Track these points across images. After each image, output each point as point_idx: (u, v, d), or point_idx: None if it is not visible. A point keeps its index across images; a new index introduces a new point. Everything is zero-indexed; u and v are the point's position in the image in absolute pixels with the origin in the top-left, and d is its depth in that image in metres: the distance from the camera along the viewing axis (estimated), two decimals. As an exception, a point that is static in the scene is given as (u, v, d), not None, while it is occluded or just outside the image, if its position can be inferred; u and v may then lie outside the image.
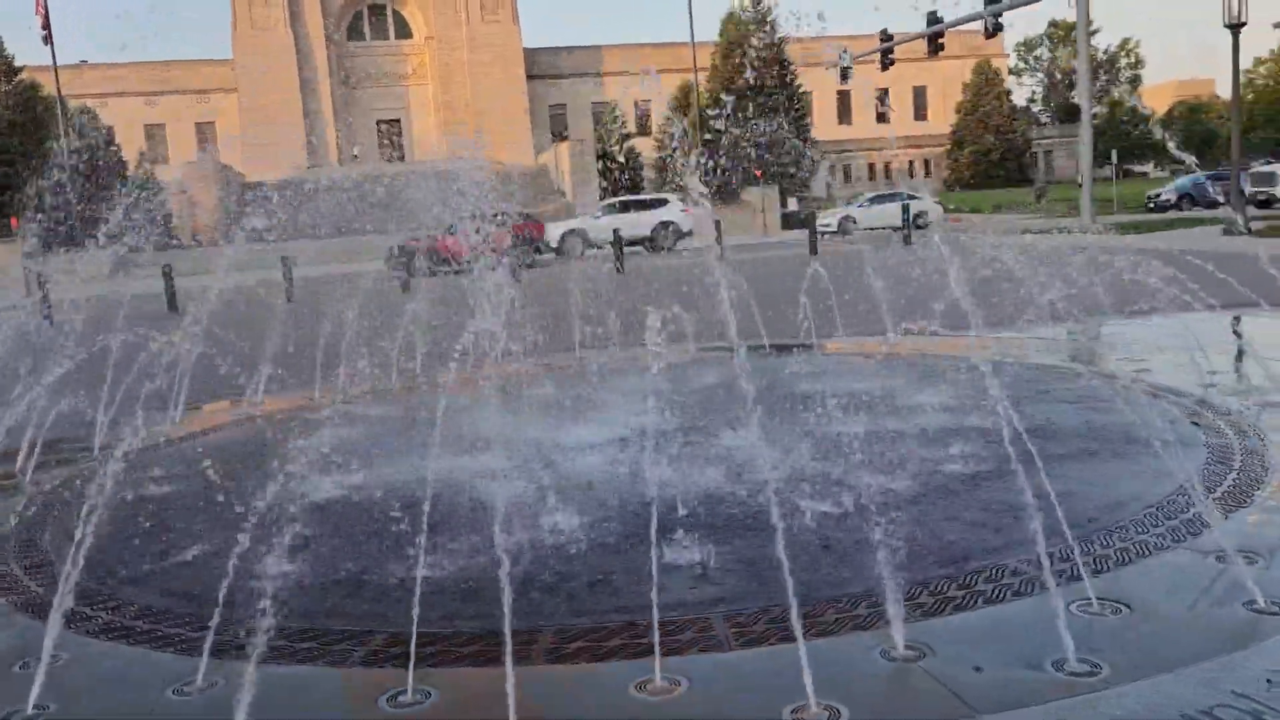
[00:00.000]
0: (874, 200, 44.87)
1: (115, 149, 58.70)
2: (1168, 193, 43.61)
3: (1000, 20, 29.71)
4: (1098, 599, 4.04)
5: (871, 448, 6.39)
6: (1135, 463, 6.02)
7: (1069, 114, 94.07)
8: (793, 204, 53.74)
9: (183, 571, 5.27)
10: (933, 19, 34.10)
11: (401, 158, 76.67)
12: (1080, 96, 28.45)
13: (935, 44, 33.99)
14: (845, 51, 37.28)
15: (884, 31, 37.09)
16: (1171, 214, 37.48)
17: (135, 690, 3.89)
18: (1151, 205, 42.76)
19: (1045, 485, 5.62)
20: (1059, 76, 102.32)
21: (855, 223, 42.46)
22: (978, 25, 32.87)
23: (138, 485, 6.77)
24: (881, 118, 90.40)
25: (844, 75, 37.68)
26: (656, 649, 3.65)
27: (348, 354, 10.26)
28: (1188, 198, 42.54)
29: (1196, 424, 6.79)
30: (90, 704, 3.80)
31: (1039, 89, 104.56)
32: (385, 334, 10.78)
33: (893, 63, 35.60)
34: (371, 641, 4.17)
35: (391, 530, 5.39)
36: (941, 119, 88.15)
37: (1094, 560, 4.49)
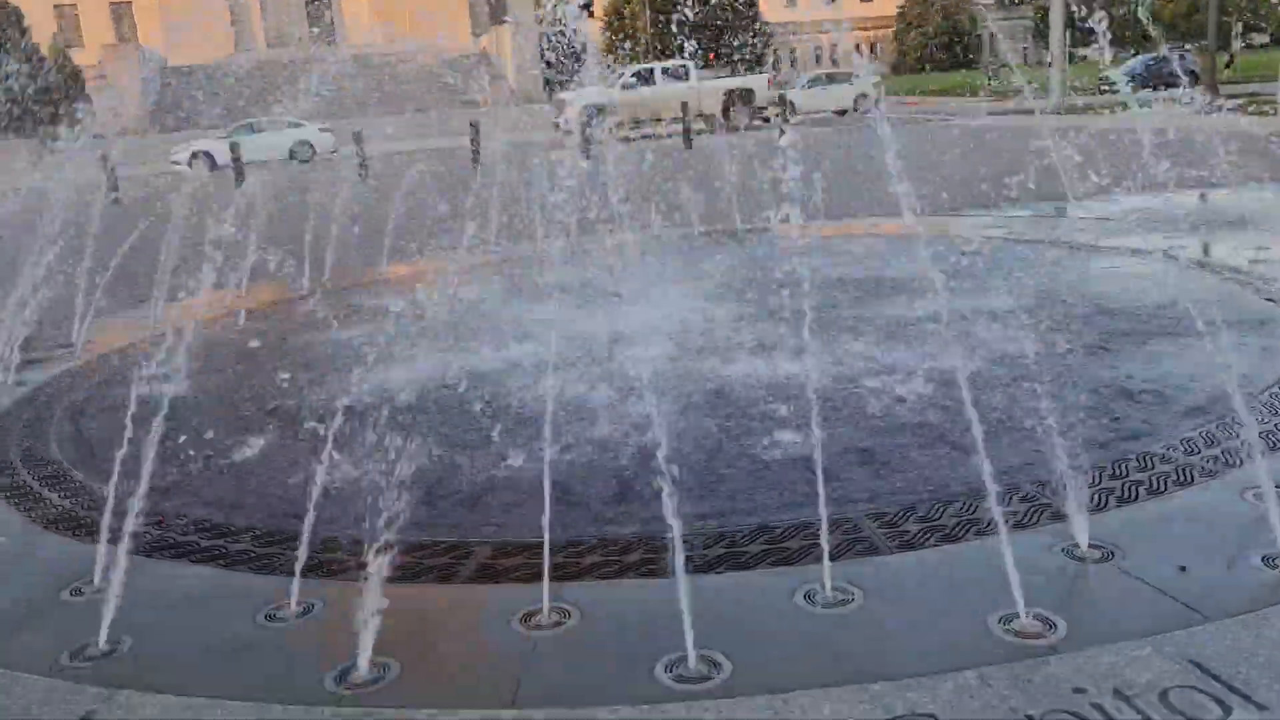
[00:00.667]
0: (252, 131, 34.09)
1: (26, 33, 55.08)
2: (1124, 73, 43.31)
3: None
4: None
5: (949, 332, 6.00)
6: (1231, 342, 5.71)
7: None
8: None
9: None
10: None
11: (332, 40, 73.15)
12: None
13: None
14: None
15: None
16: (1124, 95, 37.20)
17: (217, 618, 3.39)
18: (1105, 88, 42.44)
19: (1143, 369, 5.32)
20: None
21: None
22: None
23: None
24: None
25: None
26: (825, 554, 3.23)
27: None
28: (1139, 78, 42.37)
29: (1272, 300, 6.51)
30: (171, 636, 3.30)
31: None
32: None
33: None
34: (479, 553, 3.71)
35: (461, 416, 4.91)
36: (889, 1, 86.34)
37: (1243, 446, 4.16)
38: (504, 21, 64.15)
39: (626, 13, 61.71)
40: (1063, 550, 3.37)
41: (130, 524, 3.36)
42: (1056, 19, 26.97)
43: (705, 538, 3.67)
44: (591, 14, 71.97)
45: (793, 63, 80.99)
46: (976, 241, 9.32)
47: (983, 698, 2.56)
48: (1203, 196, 10.31)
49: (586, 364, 5.93)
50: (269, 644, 3.20)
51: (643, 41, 56.65)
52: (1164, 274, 7.52)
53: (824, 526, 3.23)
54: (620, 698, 2.71)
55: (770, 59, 64.06)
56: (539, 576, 3.27)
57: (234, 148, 26.16)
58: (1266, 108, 22.08)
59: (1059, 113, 26.12)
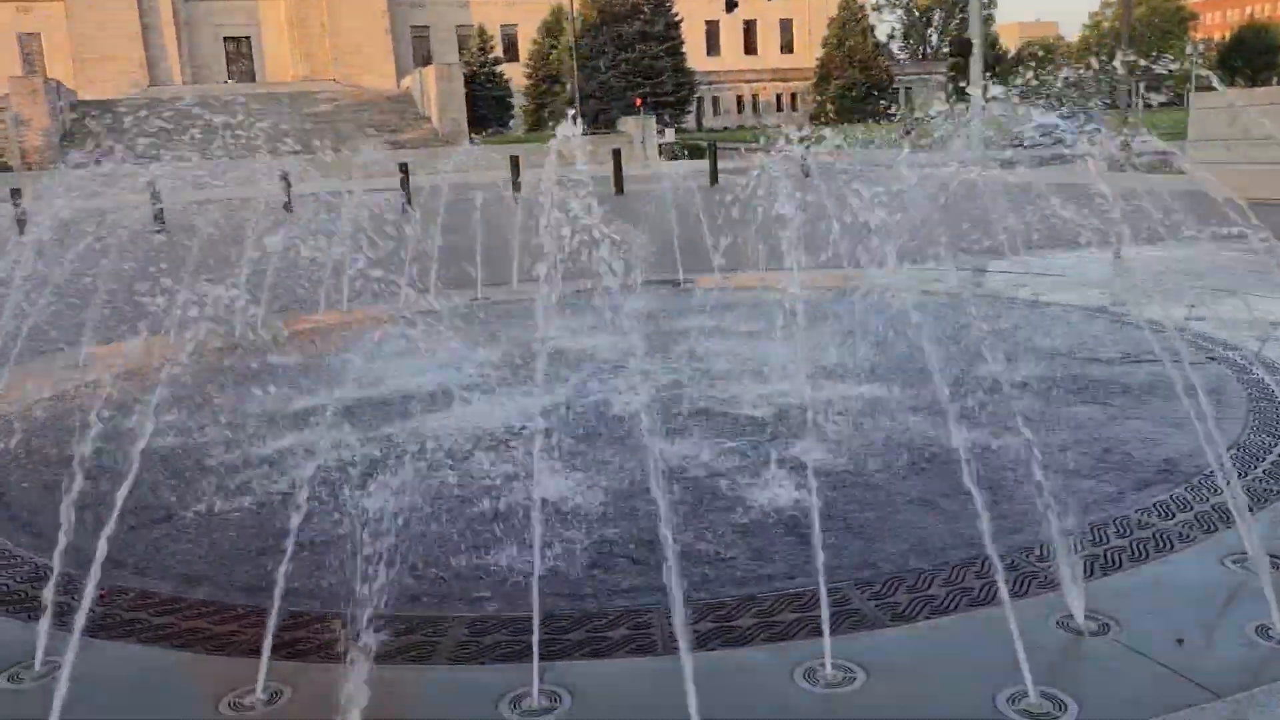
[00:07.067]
0: None
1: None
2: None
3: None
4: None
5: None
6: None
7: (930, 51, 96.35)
8: (669, 135, 53.19)
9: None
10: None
11: (252, 78, 72.15)
12: (972, 23, 28.72)
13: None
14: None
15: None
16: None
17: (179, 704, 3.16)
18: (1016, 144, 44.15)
19: (1080, 437, 5.37)
20: (917, 14, 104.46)
21: None
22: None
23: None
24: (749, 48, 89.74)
25: (730, 5, 37.03)
26: (826, 630, 3.15)
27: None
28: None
29: (1214, 359, 6.67)
30: (127, 727, 3.05)
31: (898, 26, 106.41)
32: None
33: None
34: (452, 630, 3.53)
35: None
36: (808, 53, 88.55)
37: (1214, 510, 4.20)
38: (429, 63, 64.12)
39: (551, 58, 62.14)
40: (1058, 623, 3.32)
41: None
42: (976, 76, 27.99)
43: (725, 607, 3.55)
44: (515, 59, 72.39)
45: (715, 111, 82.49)
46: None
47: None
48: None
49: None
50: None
51: (567, 87, 57.05)
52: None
53: (822, 598, 3.14)
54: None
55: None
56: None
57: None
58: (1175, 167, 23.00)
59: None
